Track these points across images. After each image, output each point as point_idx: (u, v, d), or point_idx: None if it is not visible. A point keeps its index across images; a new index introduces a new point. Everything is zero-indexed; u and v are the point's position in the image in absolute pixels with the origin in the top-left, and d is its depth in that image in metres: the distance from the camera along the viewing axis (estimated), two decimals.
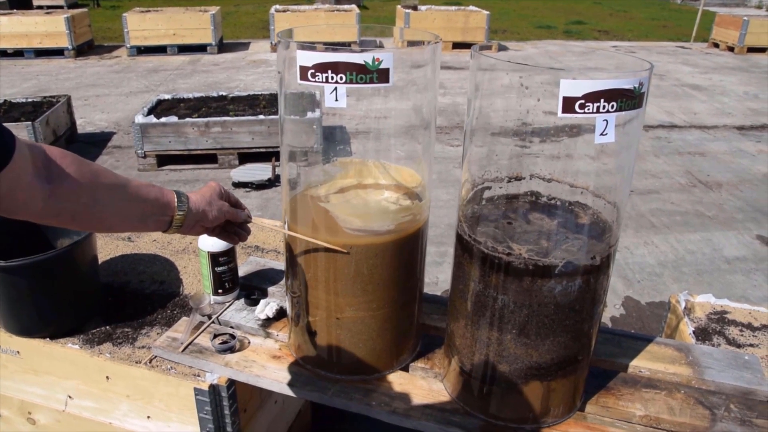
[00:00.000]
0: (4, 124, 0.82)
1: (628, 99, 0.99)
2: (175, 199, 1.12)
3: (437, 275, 3.49)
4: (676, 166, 5.44)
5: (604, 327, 1.49)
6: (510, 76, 1.08)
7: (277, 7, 11.21)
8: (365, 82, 1.08)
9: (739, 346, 1.68)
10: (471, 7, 11.41)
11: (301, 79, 1.10)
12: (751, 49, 11.23)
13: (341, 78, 1.07)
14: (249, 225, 1.33)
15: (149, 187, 1.10)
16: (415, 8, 11.27)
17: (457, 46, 10.56)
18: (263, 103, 5.60)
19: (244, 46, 11.14)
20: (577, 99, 0.96)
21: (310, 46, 1.08)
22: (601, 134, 0.99)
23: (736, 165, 5.52)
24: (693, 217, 4.42)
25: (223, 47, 10.67)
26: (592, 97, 0.96)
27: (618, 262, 3.72)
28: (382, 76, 1.08)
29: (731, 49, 11.49)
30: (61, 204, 0.94)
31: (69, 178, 0.94)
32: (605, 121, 0.99)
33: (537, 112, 1.08)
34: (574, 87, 0.96)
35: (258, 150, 5.07)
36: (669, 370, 1.41)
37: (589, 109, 0.97)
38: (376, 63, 1.06)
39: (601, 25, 14.84)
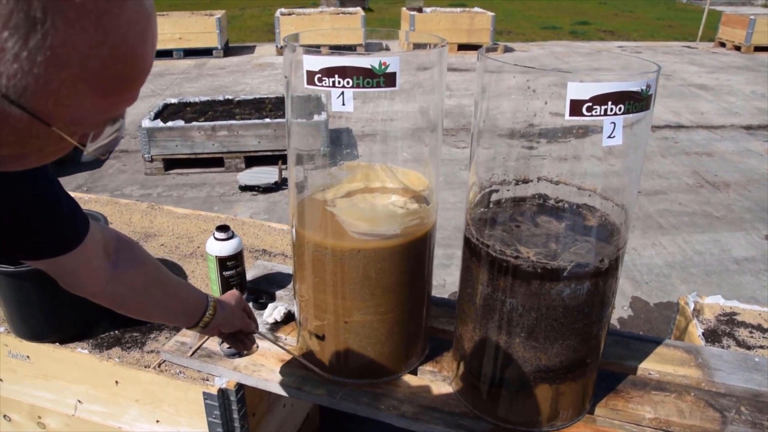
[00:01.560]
0: (83, 209, 0.91)
1: (635, 101, 0.99)
2: (208, 307, 1.21)
3: (444, 278, 3.49)
4: (684, 167, 5.42)
5: (612, 329, 1.49)
6: (517, 79, 1.08)
7: (282, 10, 11.23)
8: (372, 86, 1.08)
9: (749, 347, 1.67)
10: (476, 9, 11.40)
11: (308, 83, 1.10)
12: (758, 48, 11.17)
13: (348, 82, 1.07)
14: (255, 336, 1.41)
15: (188, 287, 1.20)
16: (420, 10, 11.28)
17: (462, 47, 10.55)
18: (269, 107, 5.61)
19: (250, 49, 11.16)
20: (584, 102, 0.96)
21: (316, 50, 1.08)
22: (609, 137, 0.99)
23: (744, 165, 5.49)
24: (701, 218, 4.40)
25: (228, 51, 10.69)
26: (600, 99, 0.96)
27: (626, 263, 3.71)
28: (389, 80, 1.08)
29: (738, 48, 11.44)
30: (119, 288, 1.03)
31: (133, 266, 1.04)
32: (613, 124, 0.98)
33: (544, 114, 1.08)
34: (581, 90, 0.96)
35: (264, 153, 5.08)
36: (678, 372, 1.41)
37: (596, 112, 0.97)
38: (383, 67, 1.06)
39: (607, 25, 14.80)
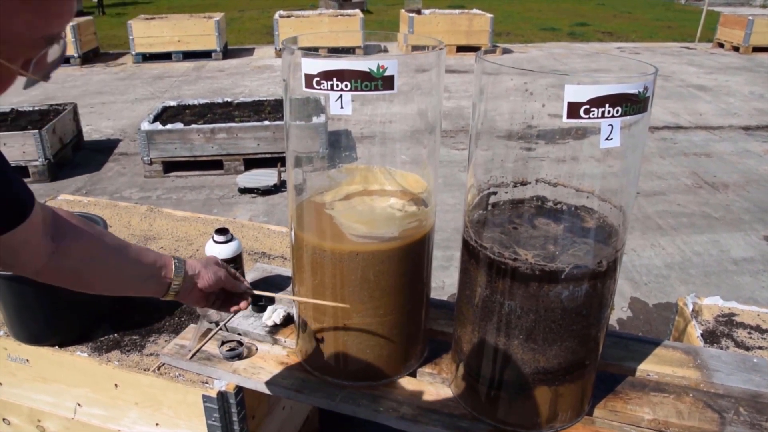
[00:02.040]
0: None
1: (633, 103, 0.99)
2: (173, 263, 1.12)
3: (444, 279, 3.49)
4: (682, 168, 5.43)
5: (611, 330, 1.49)
6: (514, 81, 1.09)
7: (281, 12, 11.24)
8: (370, 89, 1.08)
9: (747, 348, 1.67)
10: (475, 10, 11.41)
11: (306, 86, 1.10)
12: (757, 49, 11.18)
13: (346, 86, 1.08)
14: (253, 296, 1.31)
15: (148, 251, 1.11)
16: (418, 12, 11.28)
17: (461, 49, 10.55)
18: (268, 109, 5.61)
19: (249, 51, 11.17)
20: (581, 104, 0.96)
21: (315, 53, 1.08)
22: (607, 139, 1.00)
23: (743, 165, 5.49)
24: (699, 219, 4.40)
25: (227, 53, 10.70)
26: (597, 102, 0.97)
27: (625, 264, 3.71)
28: (387, 83, 1.08)
29: (736, 49, 11.45)
30: (63, 262, 0.96)
31: (73, 237, 0.97)
32: (610, 126, 0.99)
33: (542, 116, 1.09)
34: (578, 92, 0.96)
35: (263, 156, 5.08)
36: (677, 373, 1.41)
37: (594, 115, 0.97)
38: (381, 70, 1.07)
39: (605, 26, 14.82)
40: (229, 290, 1.22)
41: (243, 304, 1.25)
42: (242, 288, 1.24)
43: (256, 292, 1.30)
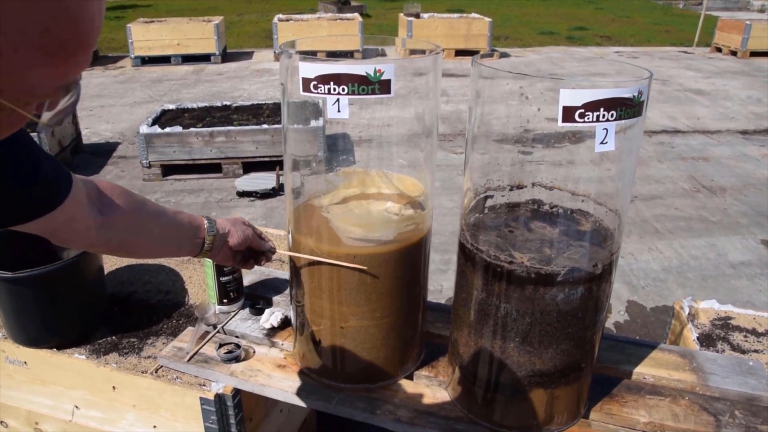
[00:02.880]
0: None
1: (627, 107, 1.00)
2: (205, 222, 1.20)
3: (441, 283, 3.49)
4: (680, 172, 5.44)
5: (607, 333, 1.50)
6: (510, 85, 1.09)
7: (280, 16, 11.26)
8: (367, 93, 1.09)
9: (743, 351, 1.68)
10: (473, 15, 11.43)
11: (304, 90, 1.11)
12: (754, 53, 11.22)
13: (343, 89, 1.08)
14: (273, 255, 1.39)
15: (182, 213, 1.19)
16: (417, 16, 11.31)
17: (459, 53, 10.58)
18: (267, 113, 5.62)
19: (248, 55, 11.18)
20: (576, 108, 0.97)
21: (312, 57, 1.09)
22: (602, 143, 1.00)
23: (740, 169, 5.51)
24: (697, 223, 4.42)
25: (226, 57, 10.72)
26: (592, 106, 0.97)
27: (622, 268, 3.72)
28: (384, 87, 1.09)
29: (734, 53, 11.49)
30: (111, 233, 1.03)
31: (119, 208, 1.03)
32: (605, 130, 0.99)
33: (539, 119, 1.09)
34: (573, 96, 0.97)
35: (262, 159, 5.09)
36: (673, 376, 1.41)
37: (588, 118, 0.98)
38: (378, 74, 1.08)
39: (604, 30, 14.85)
40: (255, 248, 1.30)
41: (263, 260, 1.34)
42: (267, 246, 1.32)
43: (280, 251, 1.37)
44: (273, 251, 1.34)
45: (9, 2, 0.47)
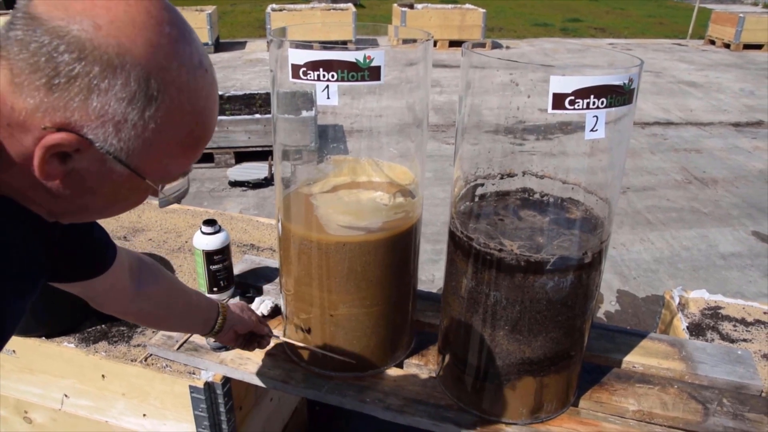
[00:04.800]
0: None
1: (617, 95, 0.99)
2: (219, 307, 1.27)
3: (434, 273, 3.50)
4: (672, 163, 5.46)
5: (598, 323, 1.50)
6: (501, 74, 1.09)
7: (274, 6, 11.20)
8: (357, 80, 1.08)
9: (732, 341, 1.68)
10: (467, 5, 11.40)
11: (293, 77, 1.10)
12: (747, 46, 11.24)
13: (333, 76, 1.08)
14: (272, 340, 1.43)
15: (202, 296, 1.28)
16: (411, 6, 11.27)
17: (453, 44, 10.56)
18: (259, 102, 5.60)
19: (241, 45, 11.13)
20: (566, 95, 0.97)
21: (301, 44, 1.08)
22: (592, 130, 1.00)
23: (732, 161, 5.53)
24: (689, 214, 4.43)
25: (219, 46, 10.65)
26: (582, 93, 0.97)
27: (614, 259, 3.73)
28: (374, 73, 1.08)
29: (727, 45, 11.51)
30: (144, 305, 1.12)
31: (155, 284, 1.12)
32: (595, 117, 0.99)
33: (531, 109, 1.09)
34: (563, 83, 0.96)
35: (254, 149, 5.07)
36: (662, 365, 1.42)
37: (579, 105, 0.97)
38: (368, 61, 1.07)
39: (598, 22, 14.84)
40: (255, 333, 1.36)
41: (264, 343, 1.40)
42: (266, 330, 1.38)
43: (277, 336, 1.42)
44: (271, 334, 1.39)
45: (176, 109, 0.64)
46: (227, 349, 1.47)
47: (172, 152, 0.67)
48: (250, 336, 1.36)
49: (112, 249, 0.98)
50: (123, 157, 0.63)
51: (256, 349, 1.40)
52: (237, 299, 1.37)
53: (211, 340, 1.47)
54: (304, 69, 1.08)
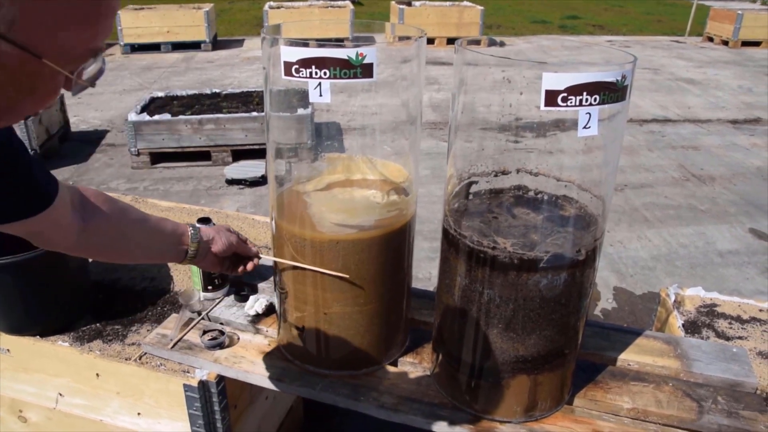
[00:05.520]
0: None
1: (610, 92, 0.99)
2: (189, 229, 1.22)
3: (431, 271, 3.49)
4: (670, 160, 5.45)
5: (593, 320, 1.50)
6: (494, 71, 1.08)
7: (271, 3, 11.18)
8: (349, 77, 1.08)
9: (728, 338, 1.68)
10: (465, 3, 11.39)
11: (286, 74, 1.10)
12: (746, 43, 11.23)
13: (325, 73, 1.07)
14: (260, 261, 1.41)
15: (166, 221, 1.21)
16: (409, 4, 11.25)
17: (451, 41, 10.52)
18: (256, 100, 5.59)
19: (239, 43, 11.10)
20: (559, 92, 0.96)
21: (293, 41, 1.08)
22: (584, 127, 1.00)
23: (730, 159, 5.52)
24: (686, 211, 4.43)
25: (217, 44, 10.63)
26: (575, 90, 0.96)
27: (611, 256, 3.73)
28: (366, 71, 1.08)
29: (725, 43, 11.49)
30: (92, 238, 1.06)
31: (101, 215, 1.06)
32: (588, 114, 0.99)
33: (525, 106, 1.08)
34: (556, 80, 0.96)
35: (251, 147, 5.06)
36: (657, 363, 1.42)
37: (571, 102, 0.97)
38: (360, 58, 1.06)
39: (596, 19, 14.83)
40: (241, 254, 1.32)
41: (250, 265, 1.36)
42: (252, 252, 1.34)
43: (263, 257, 1.38)
44: (258, 256, 1.36)
45: None
46: (222, 347, 1.47)
47: (62, 21, 0.56)
48: (236, 259, 1.33)
49: (54, 185, 0.93)
50: (3, 29, 0.52)
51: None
52: (223, 226, 1.34)
53: (206, 338, 1.47)
54: (297, 66, 1.08)
